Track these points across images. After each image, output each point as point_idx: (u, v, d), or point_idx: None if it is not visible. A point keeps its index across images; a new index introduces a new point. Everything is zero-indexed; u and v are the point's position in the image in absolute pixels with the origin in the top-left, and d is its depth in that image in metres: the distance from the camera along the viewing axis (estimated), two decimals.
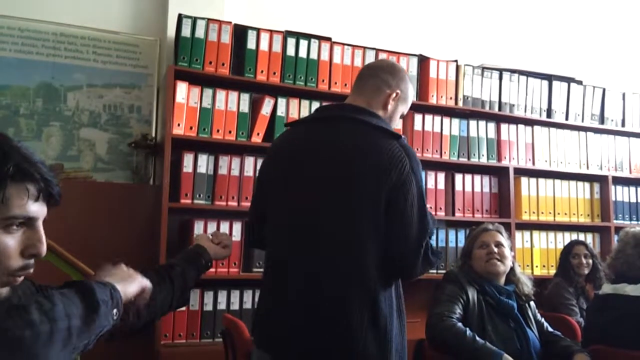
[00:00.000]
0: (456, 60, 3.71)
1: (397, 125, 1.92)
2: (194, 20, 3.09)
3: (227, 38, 3.16)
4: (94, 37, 3.17)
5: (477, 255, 2.70)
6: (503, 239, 2.74)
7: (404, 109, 1.88)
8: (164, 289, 1.36)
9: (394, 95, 1.81)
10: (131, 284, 1.16)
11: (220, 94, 3.10)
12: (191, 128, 3.00)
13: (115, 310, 1.04)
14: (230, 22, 3.18)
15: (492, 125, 3.75)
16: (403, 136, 1.72)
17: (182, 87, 3.01)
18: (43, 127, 3.05)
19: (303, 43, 3.32)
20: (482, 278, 2.62)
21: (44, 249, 0.96)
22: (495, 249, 2.66)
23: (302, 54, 3.32)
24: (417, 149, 3.50)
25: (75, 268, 2.31)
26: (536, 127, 3.88)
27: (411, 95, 1.89)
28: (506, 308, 2.55)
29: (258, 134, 3.17)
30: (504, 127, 3.78)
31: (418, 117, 3.55)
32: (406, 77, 1.88)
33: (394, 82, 1.84)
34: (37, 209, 0.95)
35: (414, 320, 3.30)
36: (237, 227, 3.00)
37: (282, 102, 3.24)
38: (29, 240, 0.95)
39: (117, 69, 3.21)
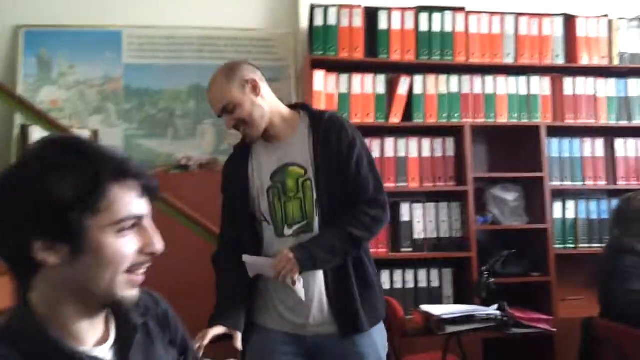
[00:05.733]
0: (606, 15, 3.39)
1: None
2: (326, 8, 3.13)
3: (359, 22, 3.17)
4: (233, 36, 3.34)
5: None
6: None
7: None
8: None
9: None
10: None
11: (356, 78, 3.12)
12: None
13: None
14: (361, 6, 3.18)
15: None
16: None
17: (319, 76, 3.06)
18: (197, 125, 3.28)
19: (436, 16, 3.23)
20: None
21: (159, 246, 0.92)
22: None
23: (436, 27, 3.23)
24: (570, 115, 3.27)
25: (206, 230, 2.48)
26: None
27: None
28: None
29: (396, 114, 3.15)
30: None
31: (568, 81, 3.29)
32: None
33: None
34: (143, 206, 0.91)
35: (576, 297, 3.10)
36: None
37: (418, 79, 3.18)
38: (143, 240, 0.91)
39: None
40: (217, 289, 1.83)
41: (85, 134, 3.00)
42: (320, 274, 1.77)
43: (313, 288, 1.77)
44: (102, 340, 0.93)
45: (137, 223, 0.90)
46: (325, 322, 1.77)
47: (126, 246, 0.88)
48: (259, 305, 1.83)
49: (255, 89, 1.80)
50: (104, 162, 0.87)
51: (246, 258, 1.77)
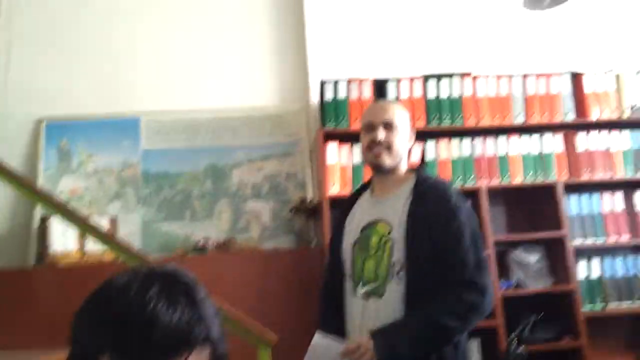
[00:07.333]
0: (611, 70, 3.42)
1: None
2: (335, 83, 3.21)
3: (368, 93, 3.23)
4: (246, 115, 3.41)
5: None
6: None
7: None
8: None
9: None
10: None
11: None
12: (346, 186, 3.06)
13: None
14: (369, 78, 3.26)
15: None
16: None
17: (332, 148, 3.11)
18: (214, 205, 3.31)
19: (444, 83, 3.29)
20: None
21: None
22: None
23: (444, 94, 3.29)
24: (585, 171, 3.25)
25: (252, 332, 2.42)
26: None
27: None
28: None
29: None
30: None
31: (580, 136, 3.30)
32: None
33: None
34: None
35: None
36: None
37: (430, 145, 3.21)
38: None
39: (271, 141, 3.41)
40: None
41: (103, 221, 3.04)
42: None
43: None
44: None
45: None
46: None
47: None
48: None
49: (412, 138, 1.96)
50: (205, 320, 0.89)
51: (317, 339, 1.63)
